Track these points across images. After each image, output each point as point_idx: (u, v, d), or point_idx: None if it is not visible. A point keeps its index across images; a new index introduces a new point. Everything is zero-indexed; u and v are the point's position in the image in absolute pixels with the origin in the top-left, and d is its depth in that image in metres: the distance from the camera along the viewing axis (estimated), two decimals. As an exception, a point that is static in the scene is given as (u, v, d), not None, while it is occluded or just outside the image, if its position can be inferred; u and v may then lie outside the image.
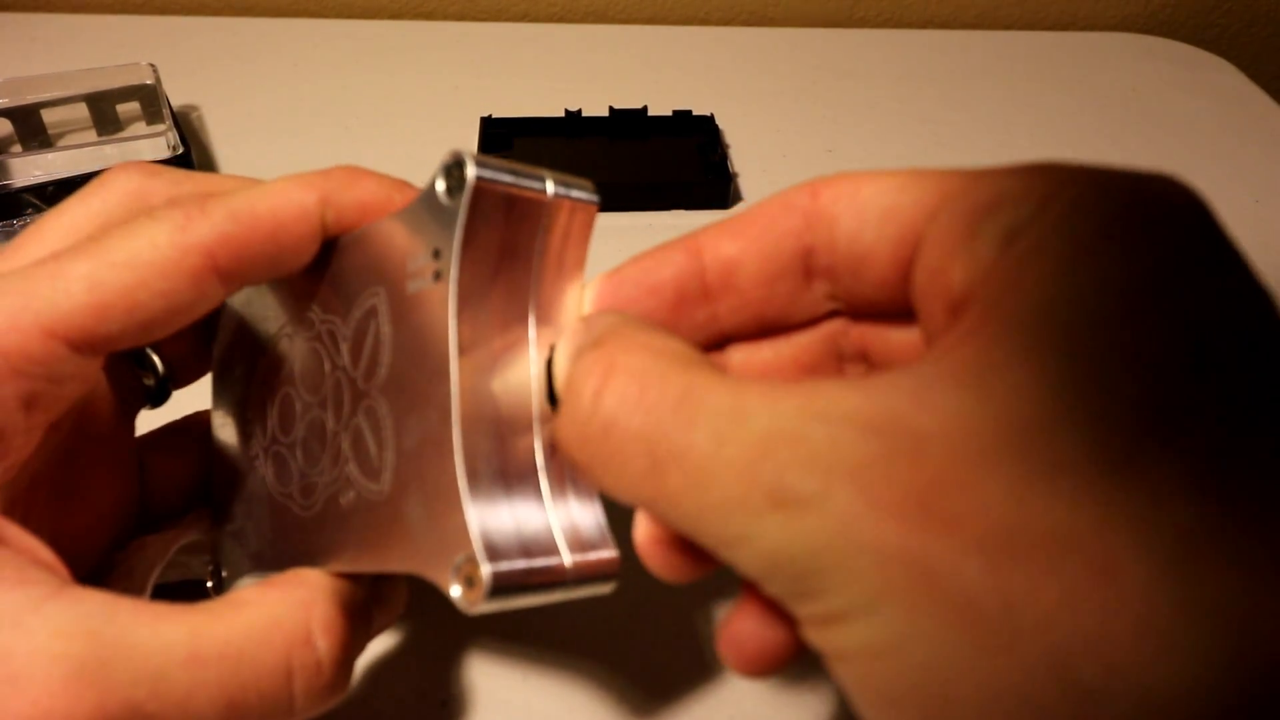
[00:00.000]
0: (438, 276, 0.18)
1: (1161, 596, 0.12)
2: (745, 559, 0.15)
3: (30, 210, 0.40)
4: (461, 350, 0.18)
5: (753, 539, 0.15)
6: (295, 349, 0.23)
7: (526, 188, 0.19)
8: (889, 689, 0.14)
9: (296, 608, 0.19)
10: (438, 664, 0.28)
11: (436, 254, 0.18)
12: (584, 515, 0.19)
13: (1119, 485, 0.13)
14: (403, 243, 0.19)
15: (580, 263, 0.20)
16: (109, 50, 0.54)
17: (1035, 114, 0.54)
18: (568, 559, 0.18)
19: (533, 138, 0.48)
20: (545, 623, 0.29)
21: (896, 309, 0.19)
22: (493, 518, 0.18)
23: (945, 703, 0.13)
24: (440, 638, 0.28)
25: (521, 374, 0.19)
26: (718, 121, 0.49)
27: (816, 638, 0.15)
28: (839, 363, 0.21)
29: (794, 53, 0.58)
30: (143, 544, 0.23)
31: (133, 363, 0.25)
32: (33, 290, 0.19)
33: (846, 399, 0.15)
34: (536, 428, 0.19)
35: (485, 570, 0.17)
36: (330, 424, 0.21)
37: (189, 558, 0.25)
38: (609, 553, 0.19)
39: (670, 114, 0.49)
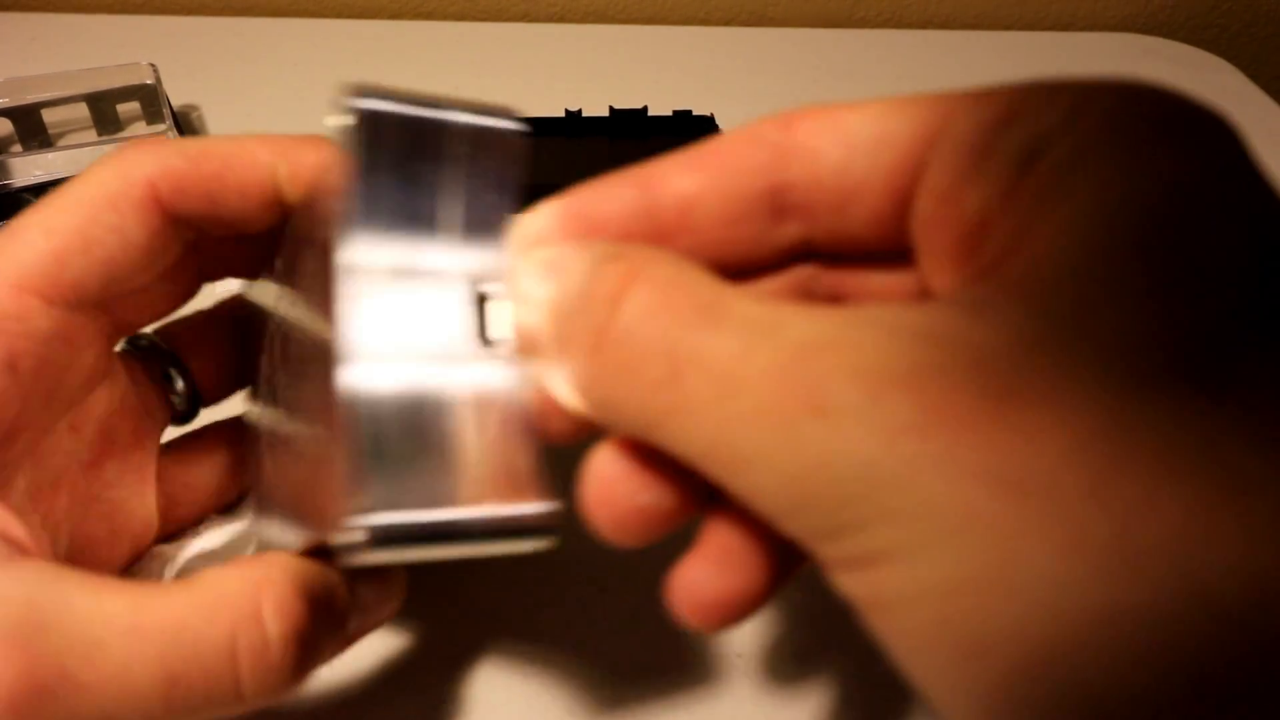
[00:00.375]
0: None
1: None
2: (768, 482, 0.13)
3: (30, 210, 0.40)
4: (359, 283, 0.17)
5: (782, 454, 0.13)
6: (281, 329, 0.23)
7: (428, 117, 0.18)
8: (972, 635, 0.12)
9: (248, 584, 0.19)
10: (438, 664, 0.28)
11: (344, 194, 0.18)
12: (512, 461, 0.17)
13: (1228, 398, 0.11)
14: (326, 194, 0.19)
15: (506, 192, 0.19)
16: (109, 50, 0.53)
17: (1035, 114, 0.54)
18: (477, 509, 0.17)
19: (533, 138, 0.48)
20: (547, 623, 0.29)
21: (886, 247, 0.17)
22: (389, 462, 0.17)
23: (1054, 642, 0.11)
24: (441, 638, 0.28)
25: (440, 308, 0.18)
26: (718, 122, 0.49)
27: (855, 583, 0.13)
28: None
29: (794, 53, 0.58)
30: (155, 554, 0.24)
31: (162, 381, 0.25)
32: None
33: (892, 312, 0.13)
34: (461, 365, 0.18)
35: (366, 520, 0.16)
36: (302, 397, 0.21)
37: (203, 565, 0.25)
38: (536, 504, 0.17)
39: (670, 114, 0.49)
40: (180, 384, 0.25)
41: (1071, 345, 0.12)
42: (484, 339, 0.18)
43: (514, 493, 0.17)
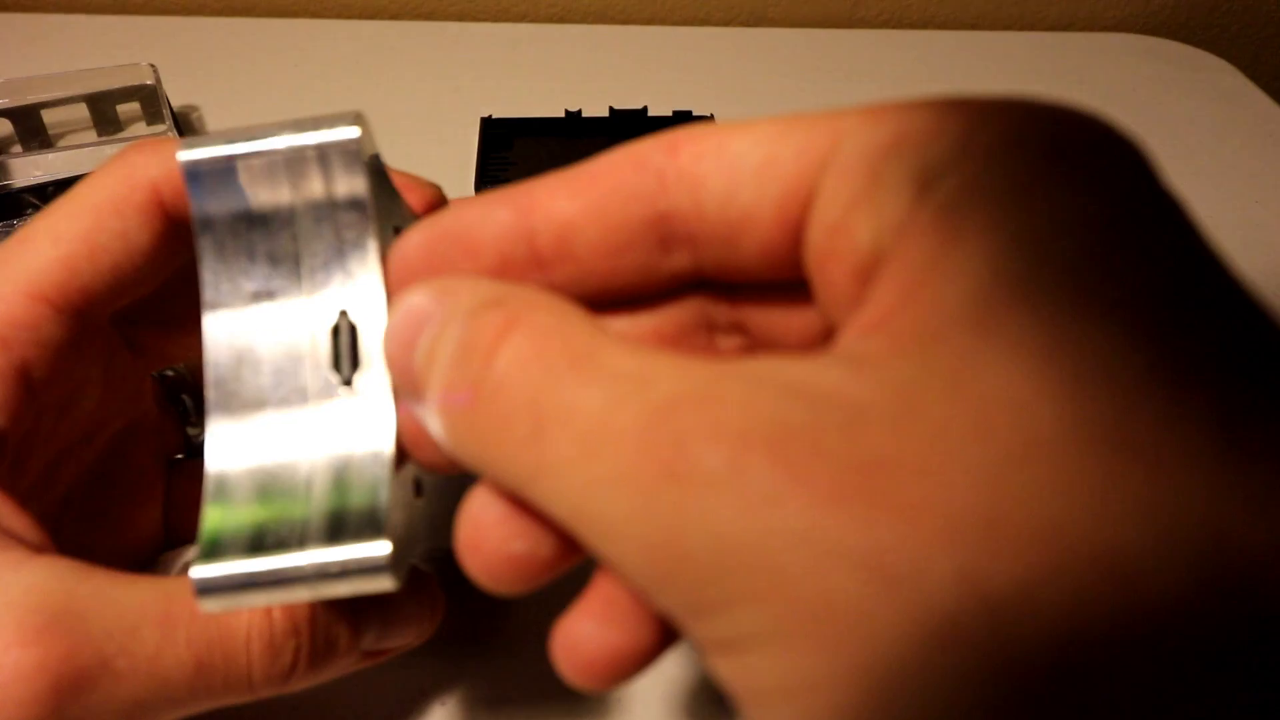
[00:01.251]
0: None
1: (1198, 603, 0.10)
2: (630, 553, 0.12)
3: (30, 210, 0.40)
4: (217, 332, 0.17)
5: (641, 522, 0.12)
6: None
7: (255, 151, 0.18)
8: None
9: None
10: (438, 664, 0.28)
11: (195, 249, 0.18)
12: (355, 499, 0.17)
13: (1121, 467, 0.10)
14: None
15: (362, 207, 0.18)
16: (109, 50, 0.53)
17: (1035, 114, 0.54)
18: (311, 554, 0.17)
19: (533, 138, 0.48)
20: (548, 622, 0.29)
21: (782, 278, 0.16)
22: (231, 508, 0.17)
23: None
24: (441, 638, 0.28)
25: (302, 345, 0.18)
26: (718, 122, 0.49)
27: (726, 669, 0.12)
28: (709, 333, 0.18)
29: (794, 53, 0.58)
30: (157, 563, 0.24)
31: (180, 412, 0.25)
32: (5, 259, 0.20)
33: (770, 365, 0.12)
34: (320, 403, 0.17)
35: (194, 572, 0.16)
36: None
37: None
38: (375, 546, 0.17)
39: (670, 114, 0.49)
40: (194, 411, 0.25)
41: (951, 410, 0.11)
42: (347, 371, 0.18)
43: (361, 532, 0.17)
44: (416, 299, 0.16)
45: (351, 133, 0.18)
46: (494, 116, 0.48)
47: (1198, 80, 0.58)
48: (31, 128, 0.45)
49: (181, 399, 0.25)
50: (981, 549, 0.10)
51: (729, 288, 0.17)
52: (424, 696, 0.27)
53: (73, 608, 0.17)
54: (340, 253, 0.18)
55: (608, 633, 0.15)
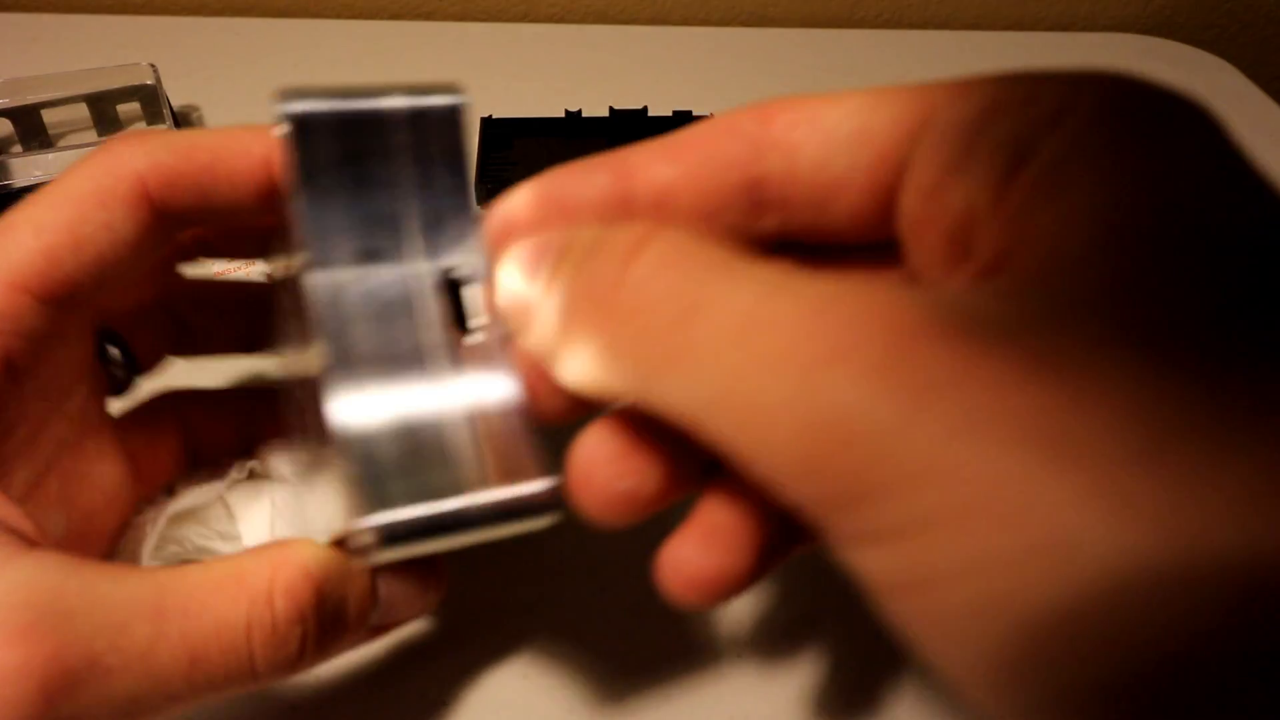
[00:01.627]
0: None
1: None
2: (778, 438, 0.12)
3: (30, 210, 0.40)
4: (327, 295, 0.17)
5: (797, 404, 0.12)
6: (289, 305, 0.23)
7: (361, 109, 0.18)
8: (1020, 614, 0.11)
9: (263, 565, 0.19)
10: (438, 664, 0.28)
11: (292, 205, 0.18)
12: (508, 444, 0.17)
13: (1267, 376, 0.11)
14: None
15: (460, 172, 0.19)
16: (109, 50, 0.53)
17: (1035, 114, 0.54)
18: (478, 496, 0.17)
19: (533, 138, 0.48)
20: (547, 622, 0.29)
21: (868, 240, 0.17)
22: (384, 466, 0.17)
23: (1110, 621, 0.10)
24: (440, 637, 0.28)
25: (414, 303, 0.18)
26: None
27: (877, 560, 0.12)
28: None
29: (794, 53, 0.58)
30: (136, 524, 0.24)
31: (101, 355, 0.25)
32: None
33: (900, 288, 0.13)
34: (445, 356, 0.18)
35: (373, 520, 0.16)
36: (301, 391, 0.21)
37: (183, 529, 0.25)
38: (537, 483, 0.17)
39: (670, 114, 0.49)
40: (121, 359, 0.25)
41: (1103, 323, 0.11)
42: (463, 326, 0.18)
43: (513, 474, 0.17)
44: (530, 241, 0.16)
45: (457, 99, 0.18)
46: (494, 116, 0.48)
47: (1198, 80, 0.58)
48: (31, 128, 0.45)
49: (105, 347, 0.25)
50: (1159, 433, 0.10)
51: (813, 250, 0.18)
52: (424, 697, 0.27)
53: (59, 605, 0.17)
54: (440, 215, 0.18)
55: (709, 556, 0.16)
